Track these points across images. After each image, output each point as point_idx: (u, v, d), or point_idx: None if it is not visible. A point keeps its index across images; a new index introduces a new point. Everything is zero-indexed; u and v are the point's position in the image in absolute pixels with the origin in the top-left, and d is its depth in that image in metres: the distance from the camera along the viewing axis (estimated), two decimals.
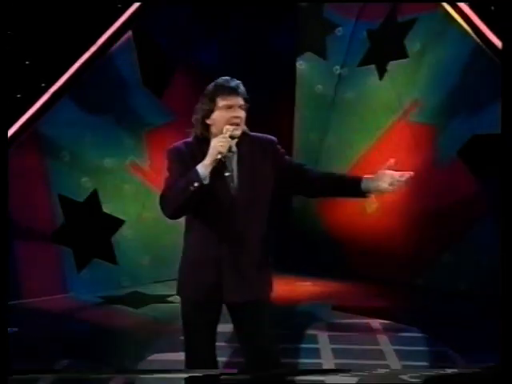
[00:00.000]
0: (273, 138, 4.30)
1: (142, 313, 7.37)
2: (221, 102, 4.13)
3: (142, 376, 4.26)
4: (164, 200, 4.14)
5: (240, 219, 4.17)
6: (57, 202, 7.90)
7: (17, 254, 7.66)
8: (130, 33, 8.00)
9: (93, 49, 7.51)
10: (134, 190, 8.31)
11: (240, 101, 4.14)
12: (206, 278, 4.21)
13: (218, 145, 4.02)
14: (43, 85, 7.29)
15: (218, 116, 4.11)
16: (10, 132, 7.38)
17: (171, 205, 4.14)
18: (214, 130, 4.09)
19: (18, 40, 7.10)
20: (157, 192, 7.39)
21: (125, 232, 8.33)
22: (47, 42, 7.28)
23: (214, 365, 4.44)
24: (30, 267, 7.67)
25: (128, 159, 8.27)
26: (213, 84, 4.15)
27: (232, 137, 4.05)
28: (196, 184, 4.01)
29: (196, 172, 4.03)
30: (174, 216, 4.24)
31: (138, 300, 7.79)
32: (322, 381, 3.85)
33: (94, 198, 8.18)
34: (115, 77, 8.12)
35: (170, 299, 7.34)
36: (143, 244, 8.41)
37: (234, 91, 4.12)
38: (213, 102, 4.14)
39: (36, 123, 7.51)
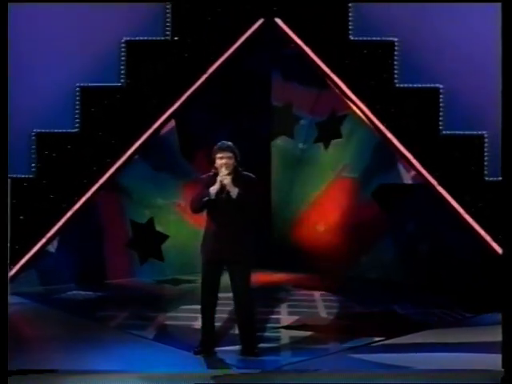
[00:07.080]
0: (254, 177, 5.98)
1: (178, 288, 9.42)
2: (217, 155, 5.92)
3: None
4: (190, 203, 6.08)
5: (230, 216, 5.88)
6: (129, 224, 9.89)
7: (106, 256, 9.70)
8: (173, 123, 9.70)
9: (149, 132, 8.70)
10: (175, 218, 10.07)
11: (228, 154, 5.88)
12: (211, 245, 5.91)
13: (219, 180, 5.86)
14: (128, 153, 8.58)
15: (217, 163, 5.93)
16: (102, 181, 8.56)
17: (194, 206, 5.98)
18: (218, 170, 5.94)
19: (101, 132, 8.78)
20: (188, 220, 9.89)
21: (169, 243, 10.17)
22: (120, 130, 8.65)
23: (214, 307, 6.01)
24: (114, 262, 9.77)
25: (172, 199, 9.98)
26: (215, 146, 6.00)
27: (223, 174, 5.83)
28: (207, 198, 5.84)
29: (208, 192, 5.85)
30: (194, 212, 6.02)
31: (176, 282, 9.70)
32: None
33: (151, 221, 10.06)
34: (166, 149, 9.93)
35: (194, 282, 8.94)
36: (179, 250, 10.11)
37: (223, 149, 5.90)
38: (214, 156, 5.95)
39: (116, 177, 8.94)
